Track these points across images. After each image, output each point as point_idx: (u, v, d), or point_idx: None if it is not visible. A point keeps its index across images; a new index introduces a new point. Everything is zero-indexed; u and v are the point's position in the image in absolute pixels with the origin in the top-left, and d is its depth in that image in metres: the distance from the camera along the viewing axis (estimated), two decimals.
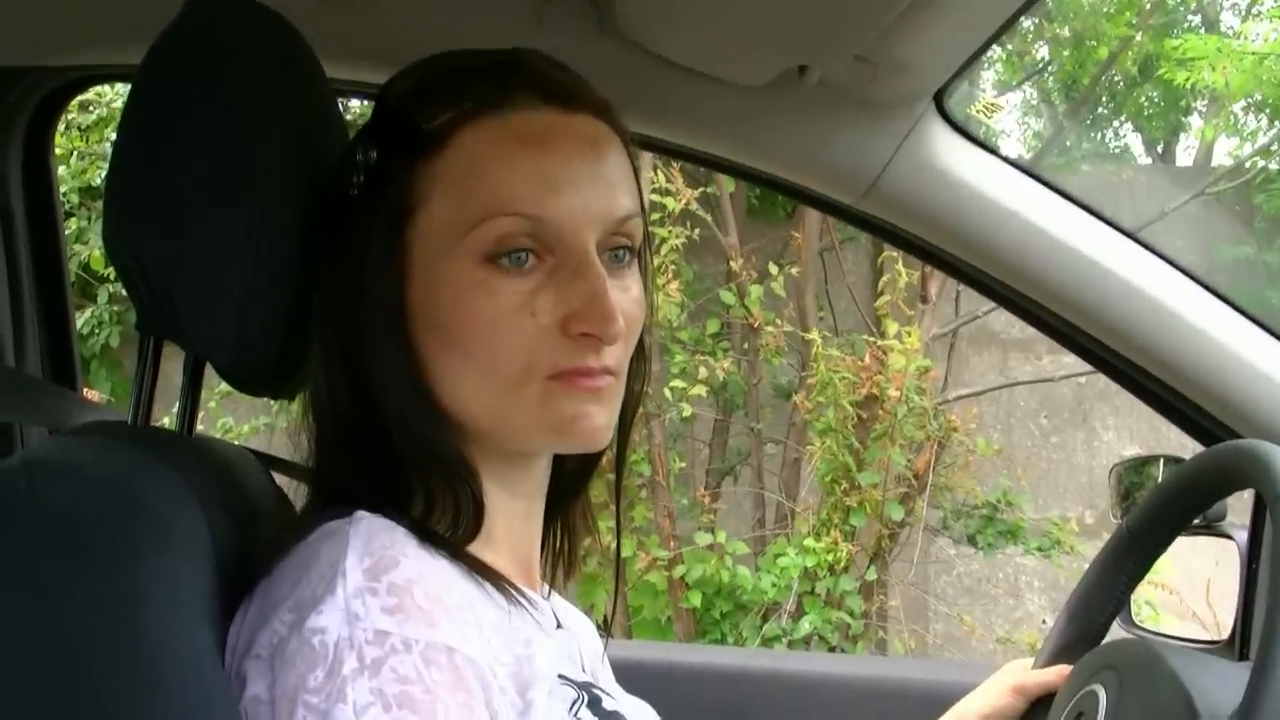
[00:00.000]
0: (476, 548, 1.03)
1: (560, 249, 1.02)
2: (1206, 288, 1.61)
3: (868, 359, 5.25)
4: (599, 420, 1.04)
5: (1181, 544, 1.53)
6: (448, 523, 1.03)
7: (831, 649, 5.02)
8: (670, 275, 5.32)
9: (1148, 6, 6.54)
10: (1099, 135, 8.98)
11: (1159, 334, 1.60)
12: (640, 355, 1.13)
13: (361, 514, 0.96)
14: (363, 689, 0.84)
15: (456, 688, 0.88)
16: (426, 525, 1.01)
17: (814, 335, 5.33)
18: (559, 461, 1.17)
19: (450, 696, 0.87)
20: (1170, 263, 1.61)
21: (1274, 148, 6.88)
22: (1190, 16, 8.48)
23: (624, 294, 1.05)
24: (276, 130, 1.05)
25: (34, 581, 0.85)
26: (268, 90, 1.06)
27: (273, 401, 5.19)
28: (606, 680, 1.20)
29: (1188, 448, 1.61)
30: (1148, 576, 1.47)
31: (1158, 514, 1.39)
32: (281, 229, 1.05)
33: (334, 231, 1.05)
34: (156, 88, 1.07)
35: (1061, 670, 1.45)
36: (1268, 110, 7.12)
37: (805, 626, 5.02)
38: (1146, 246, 1.62)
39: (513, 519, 1.12)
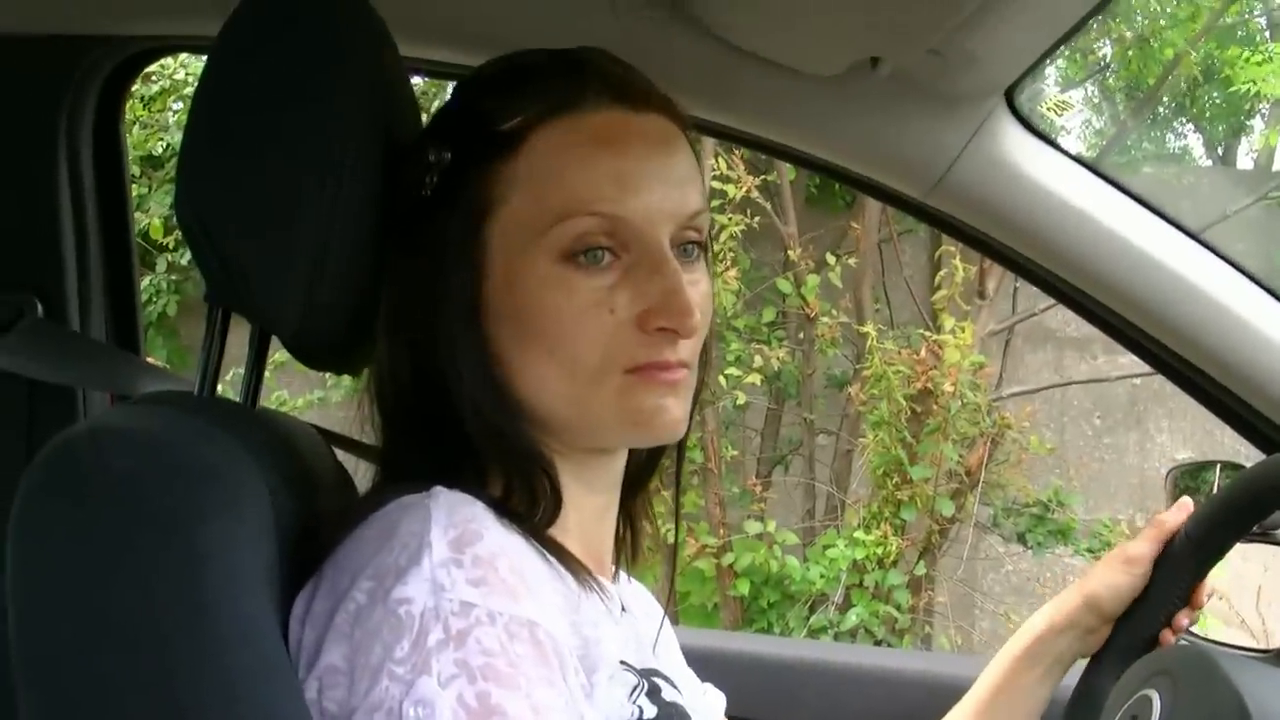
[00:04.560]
0: (551, 532, 1.04)
1: (636, 246, 1.03)
2: (1270, 291, 1.59)
3: (923, 353, 5.23)
4: (676, 413, 1.06)
5: (1232, 550, 1.52)
6: (525, 507, 1.04)
7: (878, 642, 5.02)
8: (728, 263, 5.33)
9: (1214, 13, 6.46)
10: (1159, 135, 8.86)
11: (1220, 337, 1.58)
12: (704, 346, 1.14)
13: (439, 489, 0.97)
14: (447, 660, 0.85)
15: (539, 661, 0.88)
16: (505, 504, 1.02)
17: (869, 327, 5.32)
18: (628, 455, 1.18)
19: (533, 670, 0.88)
20: (1234, 265, 1.59)
21: None
22: (1259, 18, 8.37)
23: (694, 288, 1.05)
24: (355, 108, 1.05)
25: (100, 545, 0.87)
26: (347, 66, 1.06)
27: (327, 376, 5.23)
28: (669, 664, 1.20)
29: (1241, 453, 1.60)
30: None
31: (1220, 520, 1.38)
32: (355, 210, 1.05)
33: (406, 226, 1.06)
34: (234, 58, 1.07)
35: (1185, 505, 1.44)
36: None
37: (852, 619, 5.02)
38: (1210, 248, 1.60)
39: (587, 515, 1.12)
